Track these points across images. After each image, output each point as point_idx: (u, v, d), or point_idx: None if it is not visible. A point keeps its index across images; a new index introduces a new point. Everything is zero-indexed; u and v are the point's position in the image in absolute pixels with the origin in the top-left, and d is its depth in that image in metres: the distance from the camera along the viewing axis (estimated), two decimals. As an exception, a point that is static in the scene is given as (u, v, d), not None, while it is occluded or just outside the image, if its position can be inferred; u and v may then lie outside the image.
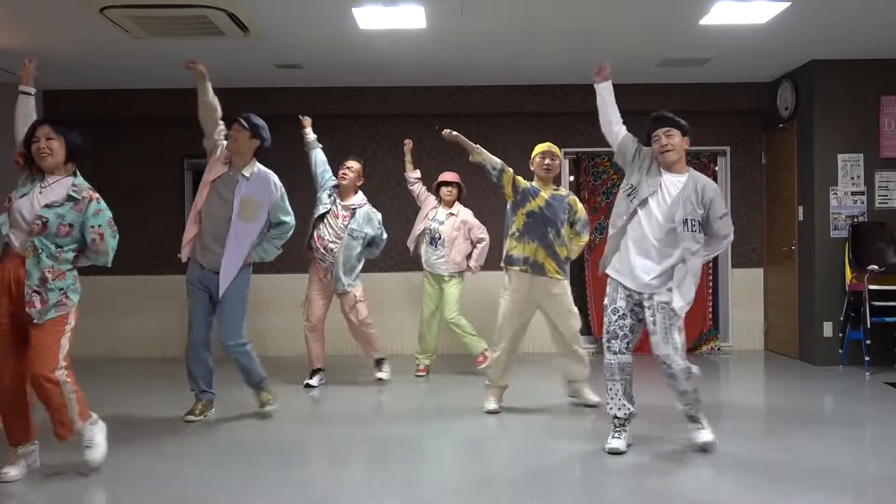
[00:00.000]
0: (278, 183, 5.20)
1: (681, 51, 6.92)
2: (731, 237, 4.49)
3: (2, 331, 3.95)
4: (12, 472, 3.99)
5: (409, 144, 7.06)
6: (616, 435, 4.44)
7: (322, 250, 6.32)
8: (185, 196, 8.54)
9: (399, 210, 8.00)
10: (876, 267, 6.86)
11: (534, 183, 5.45)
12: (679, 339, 4.31)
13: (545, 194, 5.38)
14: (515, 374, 5.70)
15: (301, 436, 5.07)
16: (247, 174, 5.09)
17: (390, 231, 6.92)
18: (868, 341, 6.84)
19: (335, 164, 6.55)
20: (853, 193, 7.37)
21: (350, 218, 6.34)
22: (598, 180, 8.34)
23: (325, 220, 6.35)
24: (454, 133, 5.44)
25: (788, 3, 5.69)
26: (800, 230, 7.66)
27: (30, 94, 4.31)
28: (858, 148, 7.36)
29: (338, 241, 6.29)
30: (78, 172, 4.13)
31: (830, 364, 7.24)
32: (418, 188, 7.04)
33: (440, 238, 6.83)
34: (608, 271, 4.48)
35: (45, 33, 6.24)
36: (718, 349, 8.31)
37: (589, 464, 4.33)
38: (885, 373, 6.82)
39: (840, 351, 7.24)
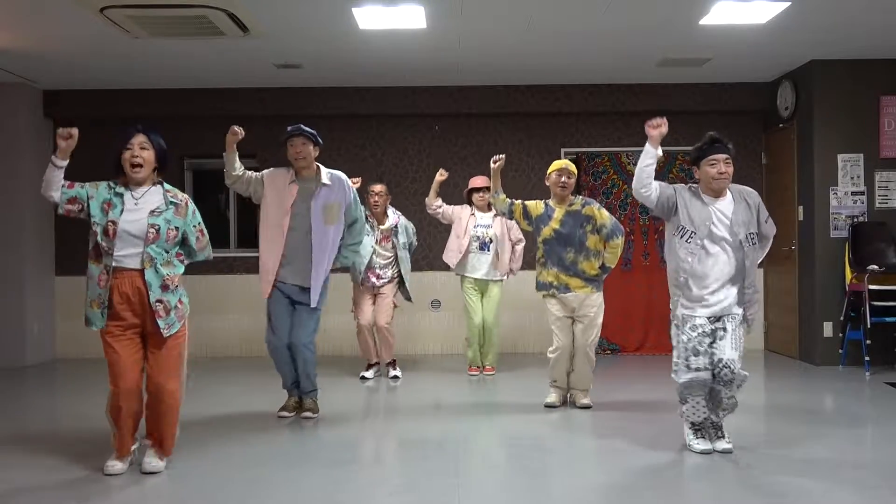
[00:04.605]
0: (350, 183, 5.28)
1: (681, 51, 6.92)
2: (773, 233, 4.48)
3: (129, 342, 4.01)
4: (118, 465, 4.07)
5: (444, 176, 6.68)
6: (700, 435, 4.41)
7: (373, 279, 6.56)
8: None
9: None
10: (876, 267, 6.86)
11: (550, 202, 5.45)
12: (742, 347, 4.29)
13: (559, 214, 5.38)
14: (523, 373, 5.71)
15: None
16: (326, 181, 5.11)
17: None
18: (868, 341, 6.84)
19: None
20: (853, 193, 7.37)
21: (395, 236, 6.62)
22: (598, 180, 8.33)
23: (372, 248, 6.54)
24: (498, 164, 5.42)
25: (788, 3, 5.70)
26: (800, 230, 7.66)
27: (61, 167, 3.96)
28: (858, 148, 7.37)
29: (387, 265, 6.61)
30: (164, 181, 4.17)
31: (830, 364, 7.24)
32: (442, 209, 6.78)
33: (491, 241, 6.74)
34: (684, 312, 4.31)
35: (45, 33, 6.24)
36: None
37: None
38: (885, 373, 6.82)
39: (840, 351, 7.24)
